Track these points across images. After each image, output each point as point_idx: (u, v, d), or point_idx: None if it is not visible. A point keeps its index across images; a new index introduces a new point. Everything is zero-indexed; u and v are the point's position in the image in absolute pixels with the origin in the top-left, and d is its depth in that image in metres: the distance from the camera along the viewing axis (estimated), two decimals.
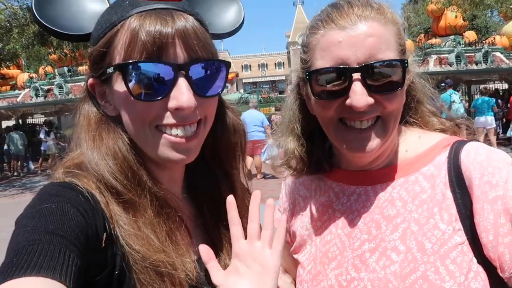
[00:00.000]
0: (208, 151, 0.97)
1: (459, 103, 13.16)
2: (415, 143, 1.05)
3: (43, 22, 0.84)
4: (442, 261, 0.88)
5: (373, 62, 0.89)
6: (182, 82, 0.78)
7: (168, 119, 0.79)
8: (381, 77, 0.90)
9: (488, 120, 13.33)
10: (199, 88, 0.81)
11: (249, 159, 12.50)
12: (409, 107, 1.07)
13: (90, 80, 0.86)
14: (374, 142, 0.93)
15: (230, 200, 0.85)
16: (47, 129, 17.53)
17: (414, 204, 0.96)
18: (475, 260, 0.88)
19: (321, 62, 0.94)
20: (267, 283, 0.79)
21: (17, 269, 0.57)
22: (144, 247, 0.75)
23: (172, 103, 0.78)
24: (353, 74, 0.89)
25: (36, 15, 0.83)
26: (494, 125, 14.03)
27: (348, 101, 0.90)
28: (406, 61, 0.93)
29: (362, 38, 0.89)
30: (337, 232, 1.05)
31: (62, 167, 0.82)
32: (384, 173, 1.04)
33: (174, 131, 0.80)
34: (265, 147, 12.53)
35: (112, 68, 0.79)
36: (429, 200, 0.94)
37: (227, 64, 0.87)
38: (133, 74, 0.77)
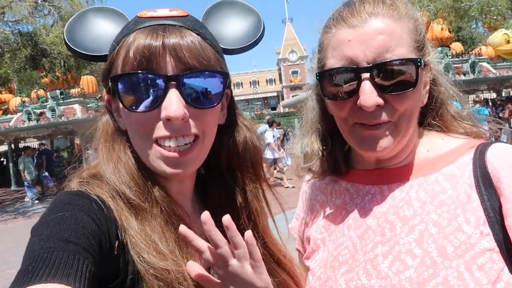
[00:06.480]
0: (224, 165, 0.98)
1: None
2: (438, 144, 1.01)
3: (71, 45, 0.89)
4: (467, 266, 0.80)
5: (382, 61, 0.86)
6: (172, 93, 0.78)
7: (161, 131, 0.81)
8: (391, 76, 0.87)
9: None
10: (193, 99, 0.81)
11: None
12: (431, 108, 1.03)
13: (106, 96, 0.90)
14: (385, 141, 0.91)
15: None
16: None
17: (433, 205, 0.90)
18: (507, 270, 0.80)
19: (331, 61, 0.92)
20: None
21: (32, 277, 0.58)
22: (153, 257, 0.76)
23: (162, 113, 0.79)
24: (362, 74, 0.87)
25: (66, 39, 0.89)
26: (488, 134, 14.22)
27: (358, 102, 0.88)
28: (419, 59, 0.88)
29: (371, 36, 0.86)
30: (349, 234, 0.99)
31: (78, 177, 0.85)
32: (402, 172, 0.99)
33: (167, 142, 0.81)
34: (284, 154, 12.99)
35: (110, 82, 0.83)
36: (450, 201, 0.88)
37: (225, 75, 0.85)
38: (124, 85, 0.79)
